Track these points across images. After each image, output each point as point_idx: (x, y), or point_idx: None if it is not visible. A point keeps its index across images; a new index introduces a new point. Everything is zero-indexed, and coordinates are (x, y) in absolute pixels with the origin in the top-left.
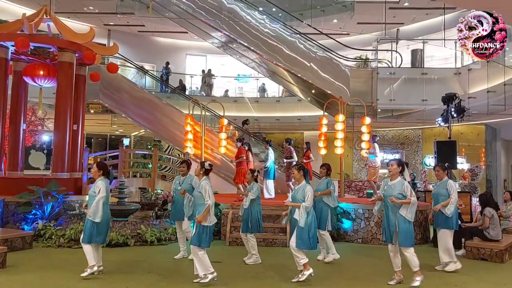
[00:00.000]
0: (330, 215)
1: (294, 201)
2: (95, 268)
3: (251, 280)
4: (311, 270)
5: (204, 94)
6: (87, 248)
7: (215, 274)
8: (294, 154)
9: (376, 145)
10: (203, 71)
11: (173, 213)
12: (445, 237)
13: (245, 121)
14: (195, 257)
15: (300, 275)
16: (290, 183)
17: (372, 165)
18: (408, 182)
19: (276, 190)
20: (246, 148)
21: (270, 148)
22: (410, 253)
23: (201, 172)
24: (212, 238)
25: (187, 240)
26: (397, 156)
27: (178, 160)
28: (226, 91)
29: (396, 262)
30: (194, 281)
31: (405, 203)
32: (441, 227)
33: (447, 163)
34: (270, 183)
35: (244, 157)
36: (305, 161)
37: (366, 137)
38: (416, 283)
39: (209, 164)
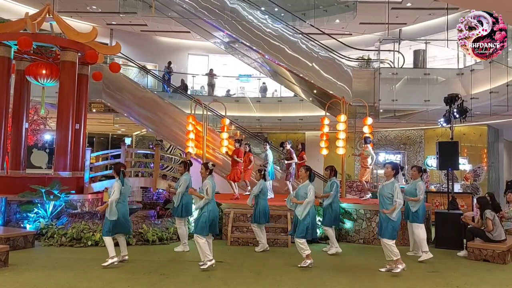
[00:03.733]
0: (333, 214)
1: (297, 197)
2: (115, 259)
3: (252, 279)
4: (312, 260)
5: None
6: (107, 240)
7: (213, 261)
8: (294, 155)
9: (369, 146)
10: (211, 70)
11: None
12: (416, 229)
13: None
14: (197, 244)
15: (303, 262)
16: (288, 182)
17: (364, 165)
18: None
19: (277, 190)
20: (247, 150)
21: (268, 149)
22: (388, 244)
23: (206, 173)
24: (212, 228)
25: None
26: (399, 156)
27: (179, 160)
28: (228, 91)
29: (386, 253)
30: (199, 263)
31: (392, 210)
32: (411, 221)
33: (423, 167)
34: (269, 183)
35: (241, 160)
36: (298, 162)
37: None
38: (397, 270)
39: (212, 164)
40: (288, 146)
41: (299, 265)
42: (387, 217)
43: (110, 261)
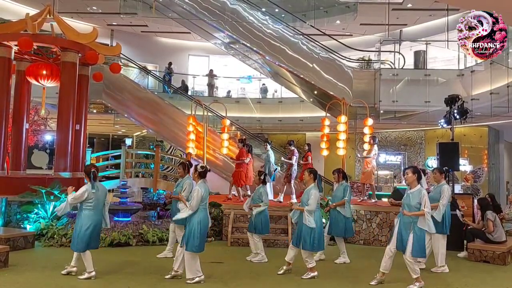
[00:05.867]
0: (347, 222)
1: (302, 203)
2: (93, 273)
3: (252, 280)
4: (316, 273)
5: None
6: (85, 255)
7: (202, 277)
8: (294, 157)
9: (375, 146)
10: (211, 71)
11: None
12: (438, 242)
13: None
14: (186, 261)
15: (306, 274)
16: (286, 185)
17: (367, 169)
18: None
19: (276, 191)
20: (247, 149)
21: (270, 149)
22: (412, 262)
23: (196, 176)
24: (203, 243)
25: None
26: (399, 157)
27: (179, 161)
28: (229, 91)
29: (387, 264)
30: (187, 281)
31: (419, 215)
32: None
33: (445, 167)
34: (268, 184)
35: (246, 160)
36: (303, 162)
37: (367, 138)
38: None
39: (201, 167)
40: (292, 147)
41: (302, 277)
42: (416, 230)
43: (87, 275)
